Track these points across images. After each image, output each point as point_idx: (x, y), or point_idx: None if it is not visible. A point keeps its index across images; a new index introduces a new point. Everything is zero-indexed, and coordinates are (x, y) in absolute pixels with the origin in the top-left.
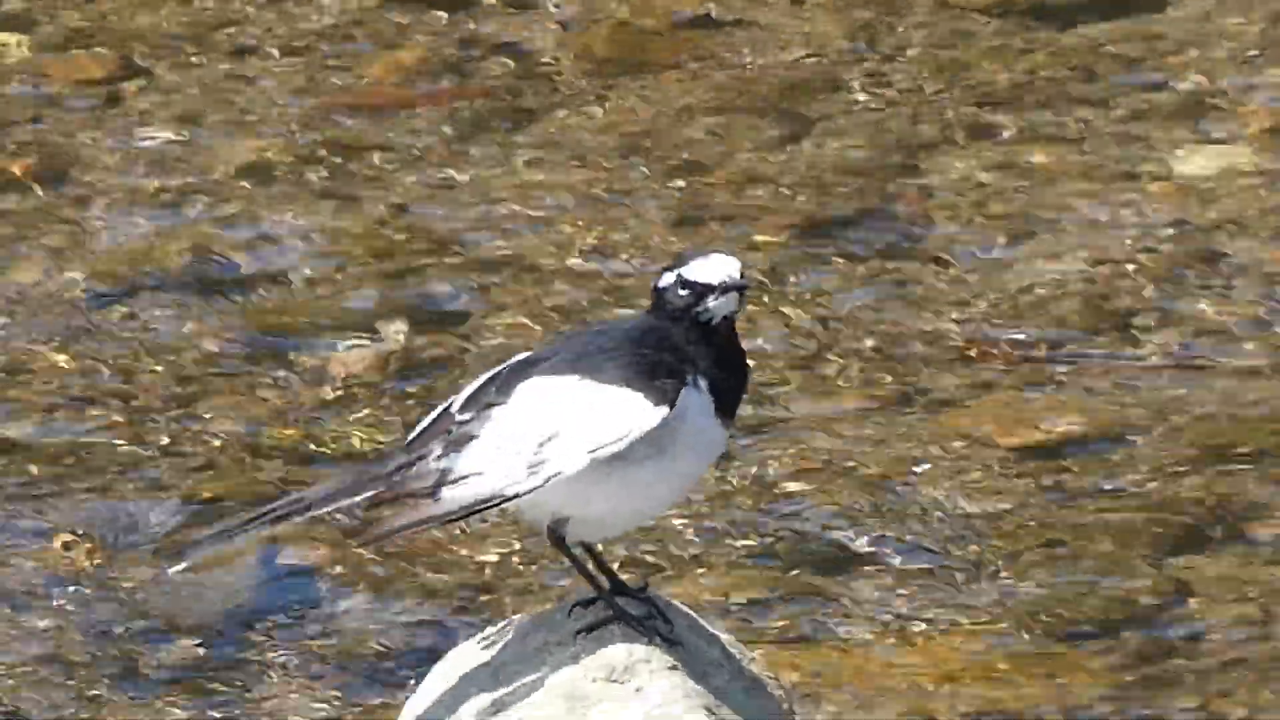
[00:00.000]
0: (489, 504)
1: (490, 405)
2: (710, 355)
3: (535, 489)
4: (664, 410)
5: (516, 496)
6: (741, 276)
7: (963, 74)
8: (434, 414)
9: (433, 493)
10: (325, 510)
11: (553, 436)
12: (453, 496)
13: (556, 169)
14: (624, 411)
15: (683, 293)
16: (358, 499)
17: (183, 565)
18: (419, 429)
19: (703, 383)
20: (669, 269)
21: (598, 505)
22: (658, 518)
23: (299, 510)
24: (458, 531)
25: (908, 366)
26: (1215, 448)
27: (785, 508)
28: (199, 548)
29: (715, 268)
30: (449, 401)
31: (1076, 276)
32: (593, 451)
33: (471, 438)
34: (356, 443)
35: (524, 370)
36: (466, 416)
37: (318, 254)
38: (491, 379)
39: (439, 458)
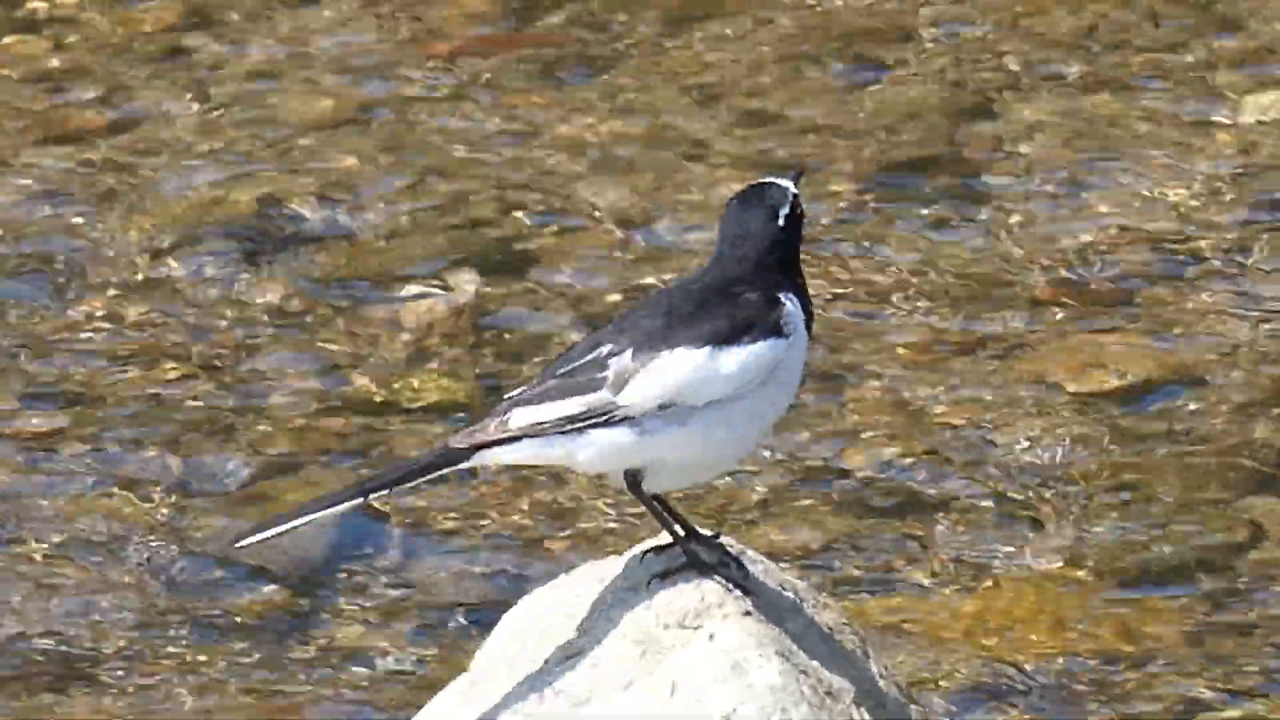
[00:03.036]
0: (591, 416)
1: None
2: (793, 285)
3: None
4: (784, 343)
5: (635, 418)
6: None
7: (1030, 20)
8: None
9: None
10: (422, 481)
11: (679, 386)
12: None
13: (624, 118)
14: (752, 355)
15: (800, 213)
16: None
17: (251, 540)
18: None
19: (799, 312)
20: (775, 198)
21: (698, 442)
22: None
23: (387, 486)
24: (529, 477)
25: (978, 312)
26: None
27: (856, 454)
28: (270, 529)
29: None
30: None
31: (1145, 221)
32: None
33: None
34: (430, 394)
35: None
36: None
37: (386, 204)
38: (597, 338)
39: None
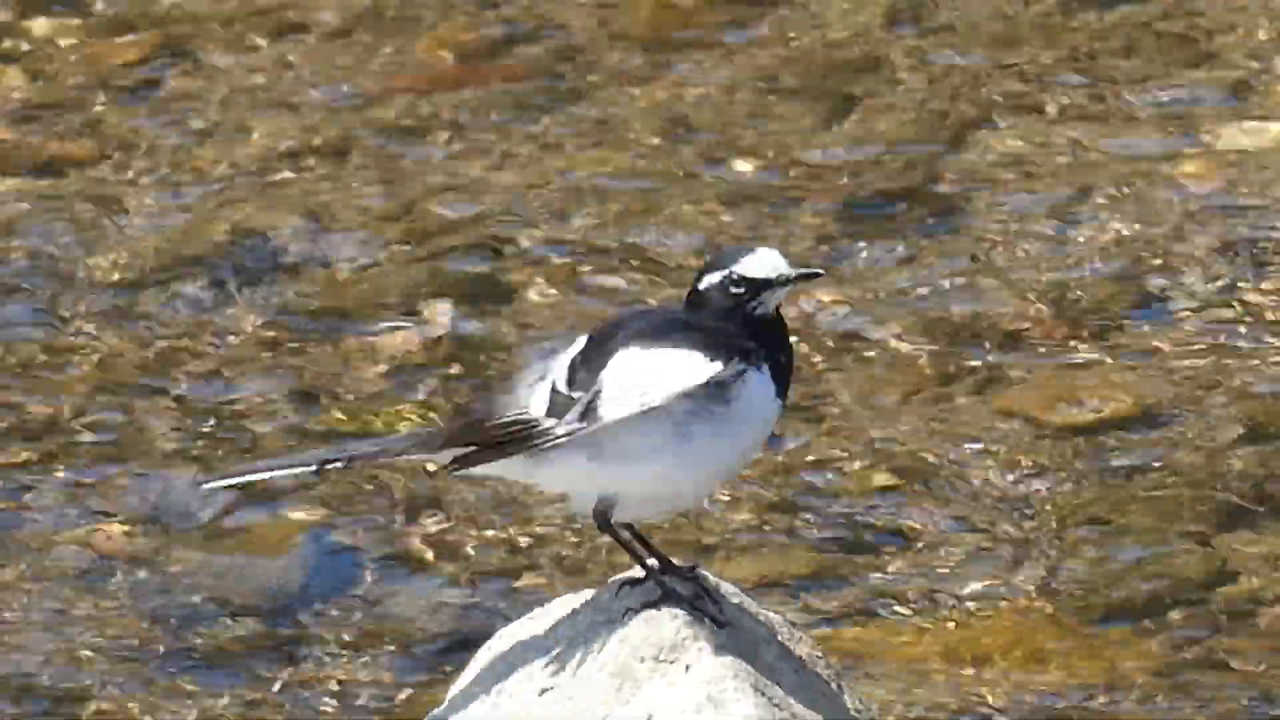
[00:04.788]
0: (544, 442)
1: (571, 374)
2: (765, 342)
3: (583, 430)
4: (717, 366)
5: (566, 436)
6: (791, 267)
7: (1005, 52)
8: (494, 394)
9: (498, 430)
10: (396, 460)
11: (608, 390)
12: (516, 434)
13: (599, 149)
14: (679, 366)
15: (736, 290)
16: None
17: (214, 485)
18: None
19: (764, 365)
20: (710, 269)
21: (654, 479)
22: (708, 497)
23: (362, 459)
24: (505, 510)
25: (953, 344)
26: (1259, 425)
27: (832, 487)
28: (235, 477)
29: (766, 262)
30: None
31: (1120, 254)
32: (643, 396)
33: (549, 397)
34: (405, 425)
35: (601, 346)
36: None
37: (362, 235)
38: (566, 359)
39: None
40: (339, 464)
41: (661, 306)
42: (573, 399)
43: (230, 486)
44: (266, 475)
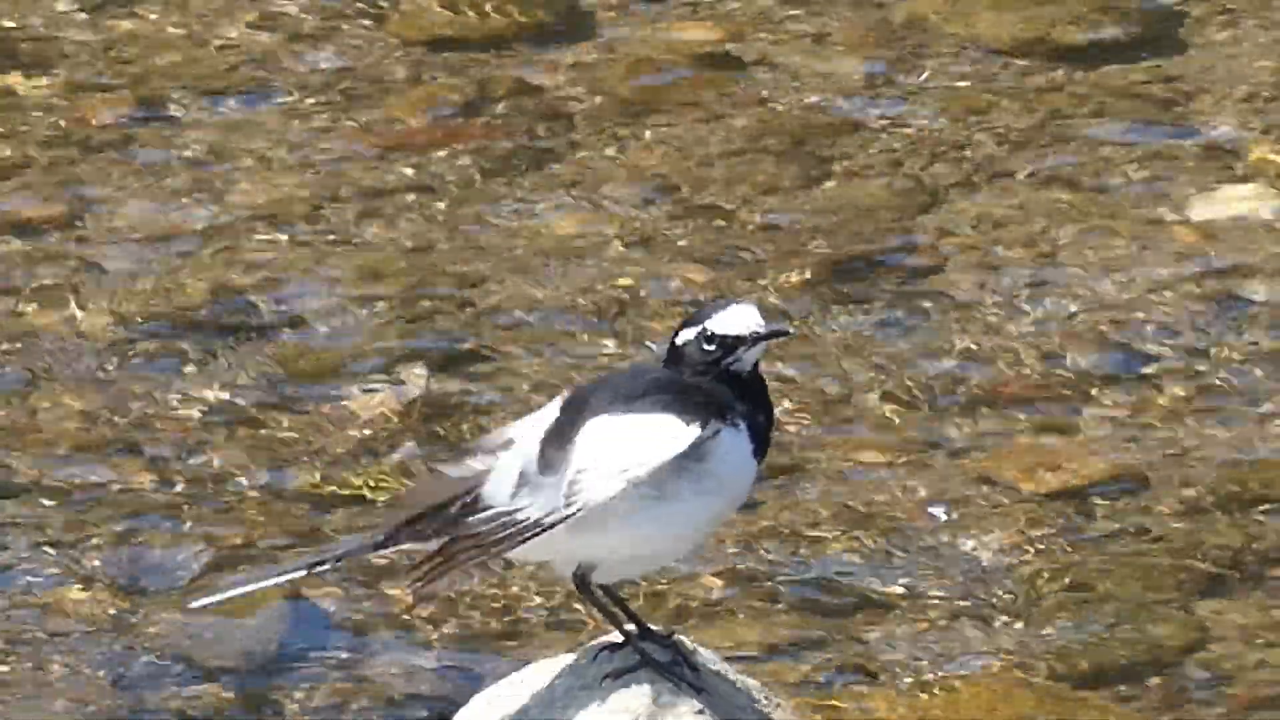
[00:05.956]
0: (528, 534)
1: (525, 448)
2: (742, 399)
3: (572, 515)
4: (696, 430)
5: (553, 525)
6: (765, 323)
7: (983, 115)
8: (469, 455)
9: (478, 530)
10: (376, 554)
11: (590, 467)
12: (495, 531)
13: (577, 211)
14: (659, 434)
15: (709, 347)
16: (398, 548)
17: (204, 602)
18: (457, 472)
19: (741, 423)
20: (687, 325)
21: (630, 541)
22: (682, 560)
23: (332, 560)
24: (484, 575)
25: (929, 409)
26: (1238, 492)
27: (808, 553)
28: (224, 591)
29: (740, 319)
30: (478, 442)
31: (1098, 320)
32: (627, 474)
33: (508, 477)
34: (380, 488)
35: (573, 414)
36: (492, 460)
37: (338, 296)
38: (525, 425)
39: (487, 499)
40: (327, 565)
41: (637, 365)
42: (546, 479)
43: (220, 603)
44: (256, 588)
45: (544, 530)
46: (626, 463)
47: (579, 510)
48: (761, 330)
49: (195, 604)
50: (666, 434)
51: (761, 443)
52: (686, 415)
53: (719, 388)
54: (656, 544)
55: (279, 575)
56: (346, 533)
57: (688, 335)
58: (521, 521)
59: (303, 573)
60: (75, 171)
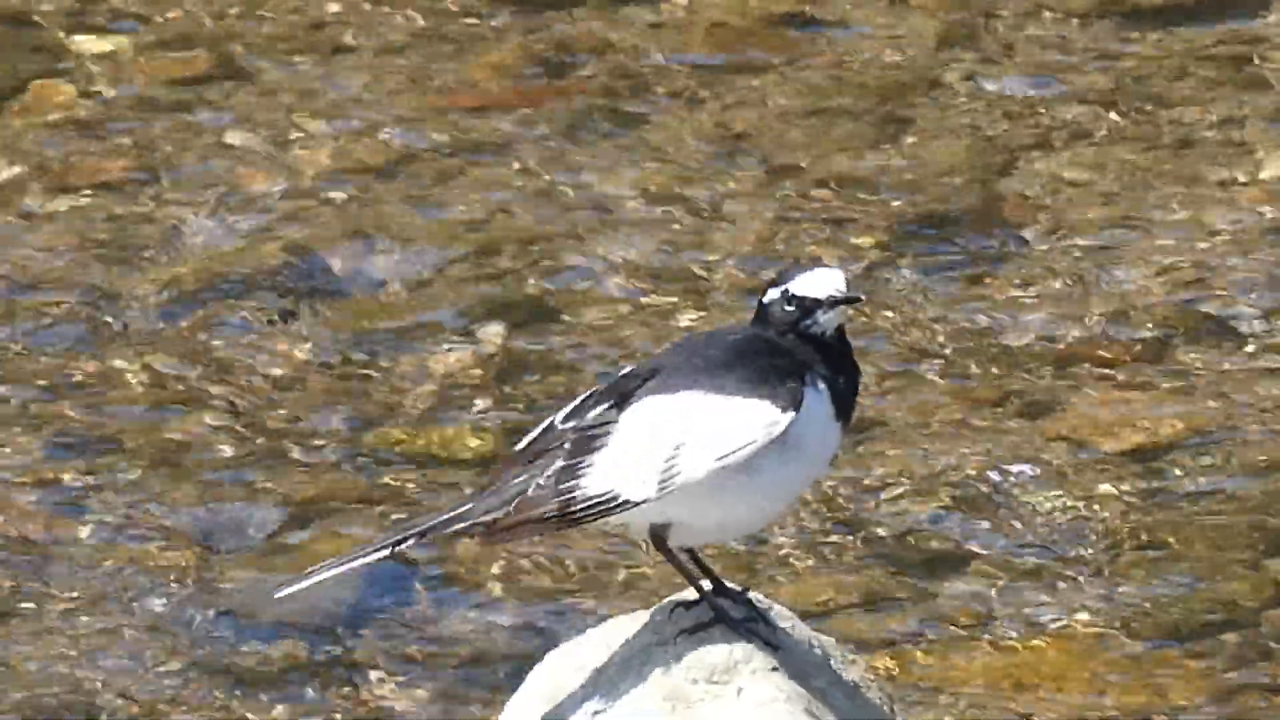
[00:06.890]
0: (612, 509)
1: (606, 421)
2: (823, 361)
3: (661, 496)
4: (790, 415)
5: (643, 503)
6: (848, 288)
7: (1060, 76)
8: (539, 429)
9: (557, 503)
10: (442, 534)
11: (680, 447)
12: (576, 505)
13: (654, 170)
14: (751, 419)
15: (789, 309)
16: (478, 522)
17: (290, 590)
18: (526, 443)
19: (821, 385)
20: (773, 284)
21: (715, 512)
22: (769, 525)
23: (416, 536)
24: (558, 534)
25: (1006, 369)
26: None
27: (885, 512)
28: (310, 577)
29: (822, 281)
30: (552, 418)
31: (1174, 278)
32: (720, 459)
33: (593, 451)
34: (457, 445)
35: (636, 385)
36: (578, 430)
37: (414, 255)
38: (600, 394)
39: (561, 471)
40: (410, 542)
41: (718, 329)
42: (634, 453)
43: (305, 588)
44: (341, 570)
45: (634, 506)
46: (721, 448)
47: (669, 491)
48: (839, 294)
49: (281, 592)
50: (762, 420)
51: (845, 407)
52: (780, 399)
53: (802, 348)
54: (741, 514)
55: (363, 556)
56: (422, 491)
57: (773, 295)
58: (609, 497)
59: (386, 553)
60: (153, 131)
